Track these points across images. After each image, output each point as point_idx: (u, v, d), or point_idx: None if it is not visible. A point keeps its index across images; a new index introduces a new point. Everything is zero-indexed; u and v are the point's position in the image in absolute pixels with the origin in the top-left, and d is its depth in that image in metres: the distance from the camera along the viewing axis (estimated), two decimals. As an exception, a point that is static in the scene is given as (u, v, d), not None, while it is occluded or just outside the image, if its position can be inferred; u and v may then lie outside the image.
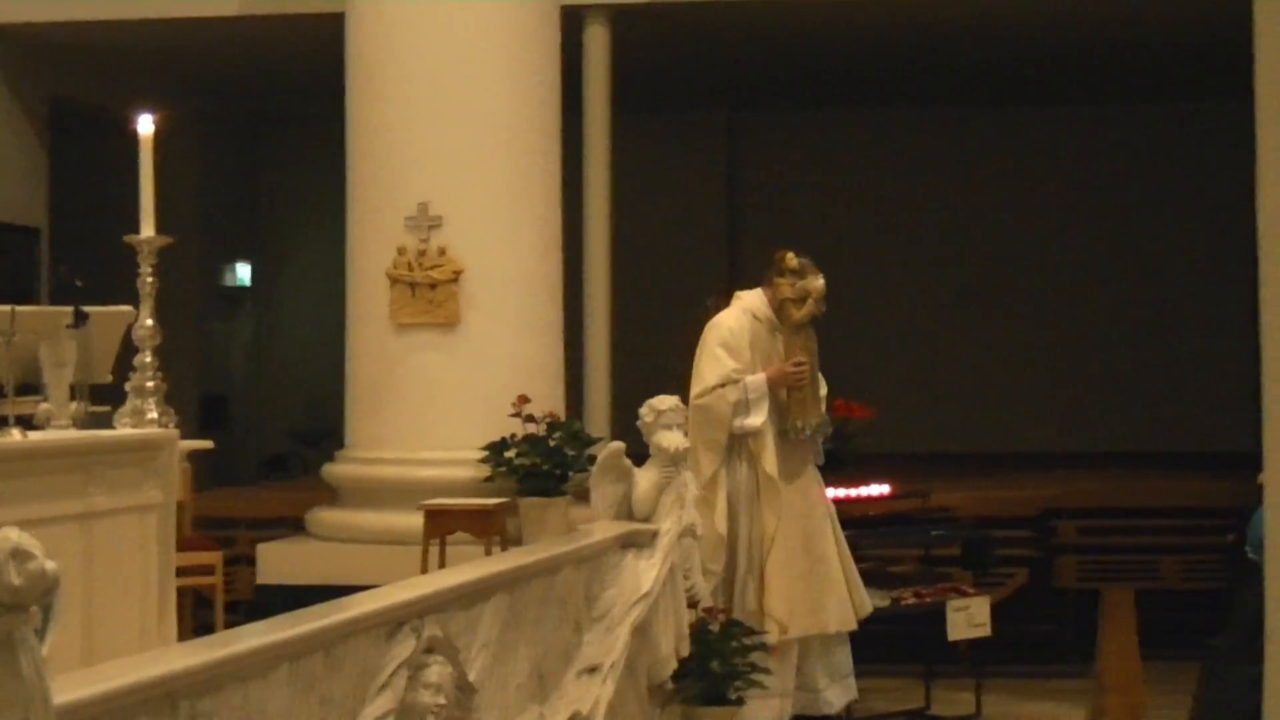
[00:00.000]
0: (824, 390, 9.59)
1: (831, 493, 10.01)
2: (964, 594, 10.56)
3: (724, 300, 9.79)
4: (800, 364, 9.28)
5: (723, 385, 9.24)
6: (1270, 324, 1.38)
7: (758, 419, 9.25)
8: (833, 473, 10.34)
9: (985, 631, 10.44)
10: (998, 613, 10.66)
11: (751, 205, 20.11)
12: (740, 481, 9.40)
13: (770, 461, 9.31)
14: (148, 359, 8.15)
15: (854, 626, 9.55)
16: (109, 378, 8.42)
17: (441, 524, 10.39)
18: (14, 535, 3.31)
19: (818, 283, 9.35)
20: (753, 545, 9.37)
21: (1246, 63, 1.99)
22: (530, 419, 10.97)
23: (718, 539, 9.27)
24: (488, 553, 10.01)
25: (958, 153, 19.67)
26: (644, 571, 8.17)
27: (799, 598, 9.35)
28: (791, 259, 9.41)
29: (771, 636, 9.14)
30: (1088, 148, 19.48)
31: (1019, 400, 19.23)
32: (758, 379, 9.28)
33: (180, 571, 7.98)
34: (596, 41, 13.68)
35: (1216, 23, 13.84)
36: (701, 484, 9.21)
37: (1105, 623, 11.05)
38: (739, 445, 9.40)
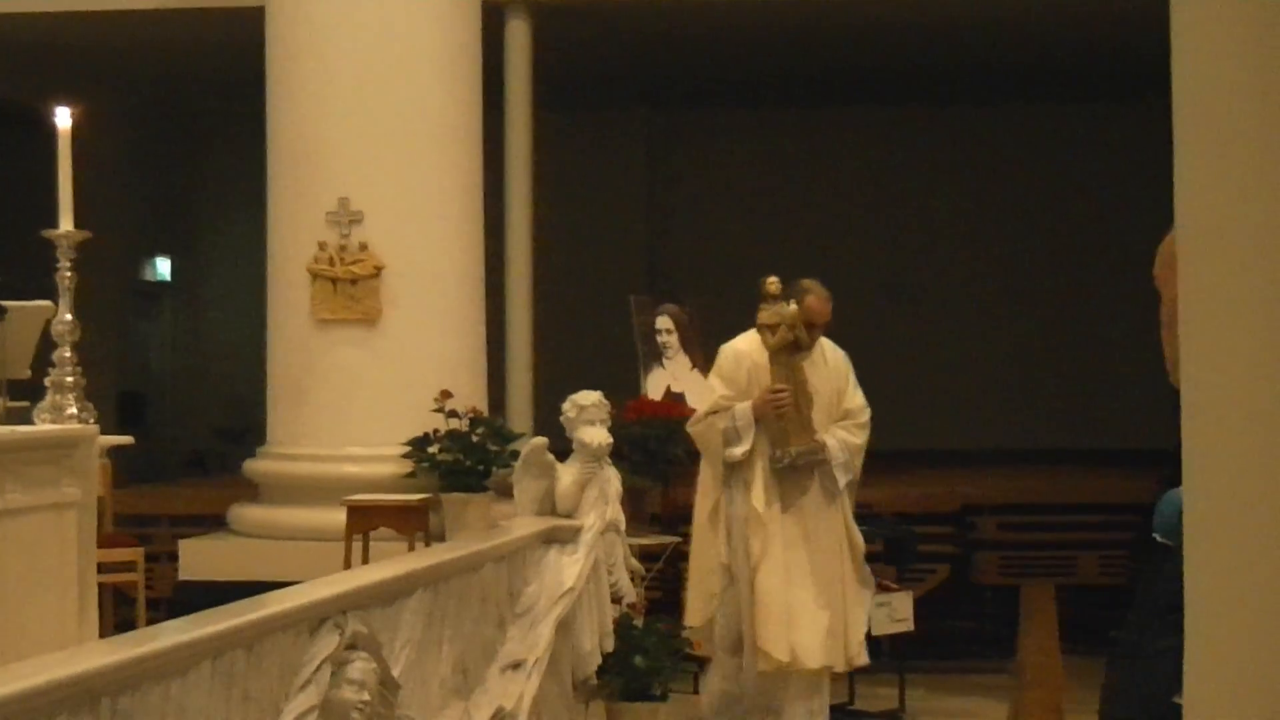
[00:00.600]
0: (864, 415, 9.34)
1: None
2: (887, 589, 10.61)
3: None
4: (778, 391, 8.94)
5: (714, 413, 9.08)
6: (1189, 320, 1.40)
7: (743, 447, 9.01)
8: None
9: (908, 626, 10.49)
10: (919, 608, 10.71)
11: (672, 203, 20.13)
12: (737, 509, 9.18)
13: (756, 491, 9.04)
14: (67, 354, 8.11)
15: (842, 667, 9.31)
16: (27, 373, 8.37)
17: (364, 520, 10.37)
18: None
19: (790, 308, 9.00)
20: (747, 574, 9.09)
21: (1163, 60, 2.02)
22: (453, 414, 10.95)
23: (720, 567, 9.19)
24: (411, 549, 10.00)
25: (879, 151, 19.73)
26: (567, 567, 8.18)
27: (790, 626, 8.98)
28: (772, 284, 9.06)
29: (766, 664, 8.98)
30: (1009, 146, 19.58)
31: (940, 397, 19.33)
32: (744, 407, 9.04)
33: (101, 568, 7.93)
34: (518, 37, 13.66)
35: (1138, 22, 13.95)
36: (702, 512, 9.30)
37: (1025, 618, 11.12)
38: (738, 473, 9.20)
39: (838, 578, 9.16)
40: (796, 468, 9.03)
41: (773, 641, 8.94)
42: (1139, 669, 3.75)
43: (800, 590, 9.02)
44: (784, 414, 8.97)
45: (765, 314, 9.03)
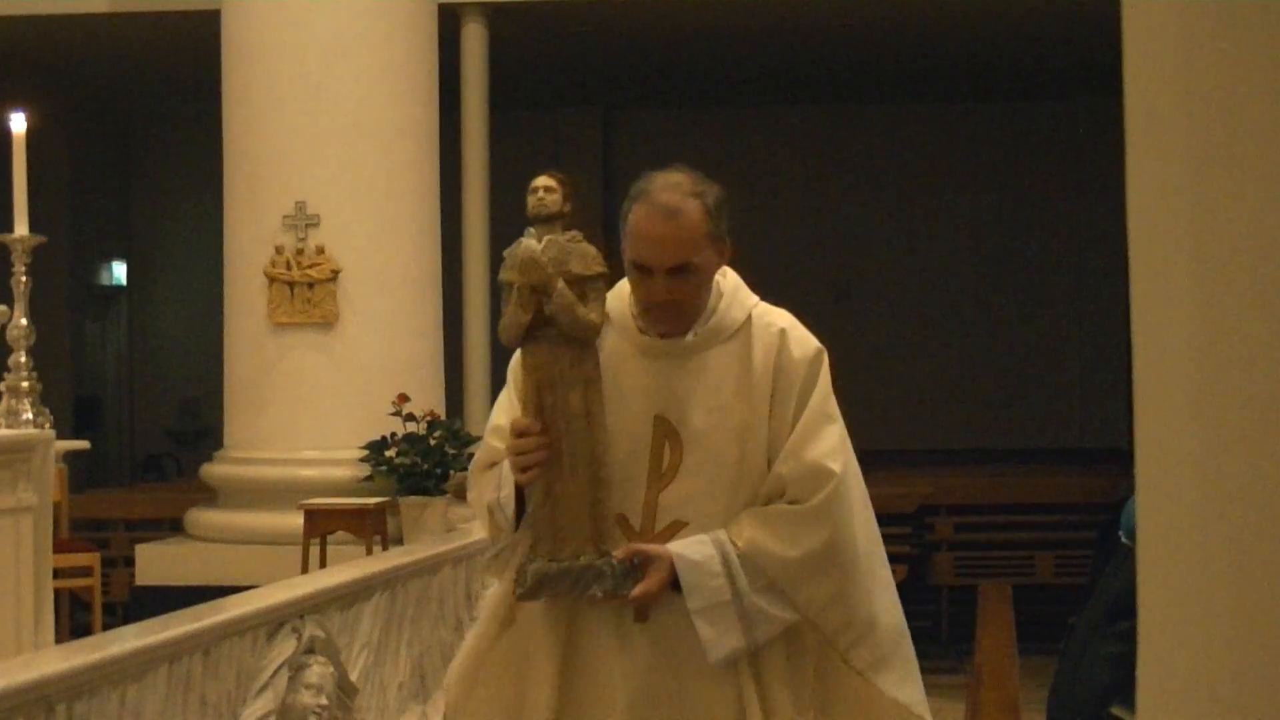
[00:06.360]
0: (817, 490, 3.95)
1: None
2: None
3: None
4: (523, 432, 3.86)
5: (491, 466, 4.03)
6: (1141, 320, 1.40)
7: (498, 546, 4.01)
8: None
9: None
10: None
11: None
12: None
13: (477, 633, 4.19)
14: (22, 359, 8.08)
15: None
16: (-18, 378, 8.33)
17: (321, 524, 10.35)
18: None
19: (524, 247, 3.93)
20: None
21: (1112, 59, 2.03)
22: (410, 418, 10.95)
23: None
24: (368, 552, 9.98)
25: (833, 150, 19.78)
26: (524, 570, 8.17)
27: None
28: (540, 192, 3.98)
29: None
30: (960, 144, 19.63)
31: (896, 398, 19.36)
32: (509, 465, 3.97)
33: (57, 573, 7.91)
34: (473, 39, 13.66)
35: (1081, 21, 14.00)
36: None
37: (982, 618, 11.15)
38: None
39: None
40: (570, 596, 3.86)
41: None
42: (1080, 672, 3.75)
43: None
44: (533, 483, 3.88)
45: (505, 263, 3.97)
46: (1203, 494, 1.48)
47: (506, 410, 4.07)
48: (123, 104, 19.70)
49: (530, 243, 3.94)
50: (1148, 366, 1.55)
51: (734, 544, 3.86)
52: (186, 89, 16.31)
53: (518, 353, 4.02)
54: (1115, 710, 3.53)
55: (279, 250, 11.49)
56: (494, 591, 4.12)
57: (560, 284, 3.87)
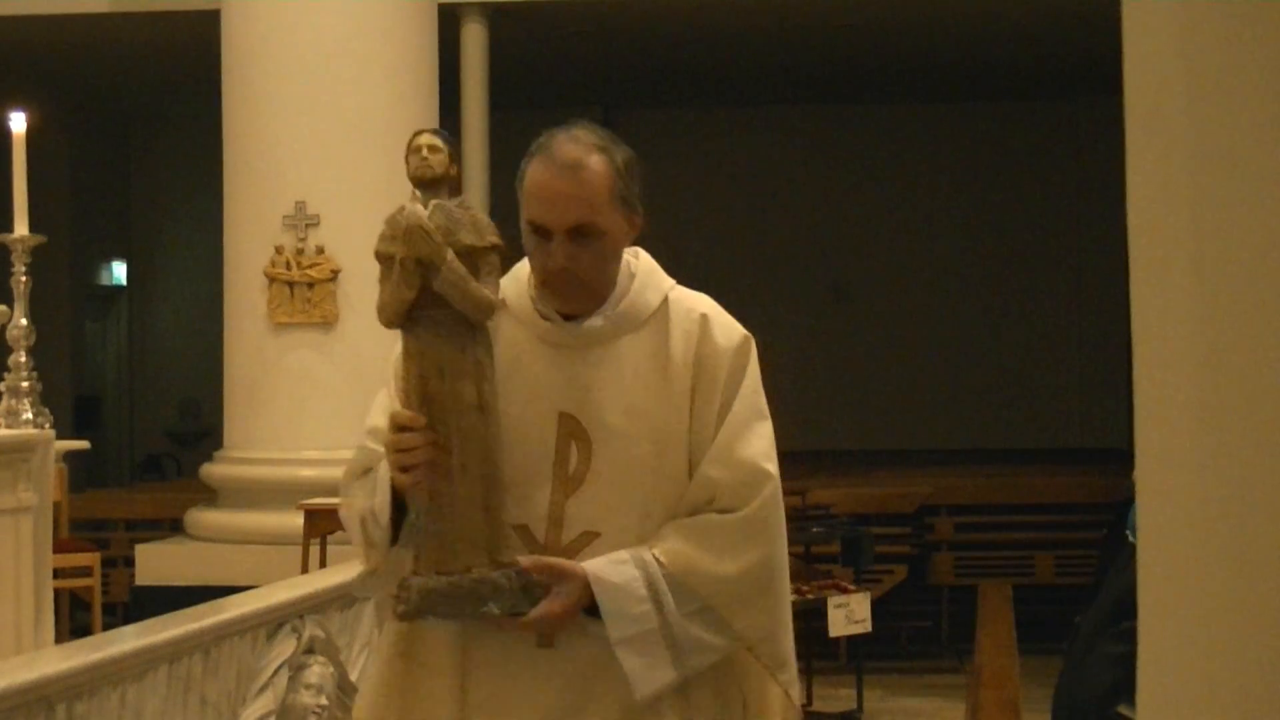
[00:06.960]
0: (750, 498, 3.41)
1: None
2: (844, 591, 10.61)
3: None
4: (405, 426, 3.35)
5: (365, 474, 3.57)
6: (1141, 320, 1.40)
7: (369, 565, 3.57)
8: None
9: (865, 628, 10.50)
10: (877, 609, 10.73)
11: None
12: None
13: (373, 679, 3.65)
14: (22, 359, 8.08)
15: None
16: (-18, 378, 8.34)
17: (321, 523, 10.34)
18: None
19: (410, 213, 3.36)
20: None
21: (1112, 59, 2.04)
22: (409, 418, 10.95)
23: None
24: (367, 552, 9.96)
25: (832, 150, 19.76)
26: (524, 570, 8.17)
27: None
28: (419, 151, 3.44)
29: None
30: (960, 143, 19.63)
31: (895, 398, 19.36)
32: (386, 468, 3.45)
33: (57, 574, 7.91)
34: (473, 39, 13.66)
35: (1077, 20, 14.01)
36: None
37: (982, 618, 11.16)
38: None
39: None
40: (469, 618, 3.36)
41: None
42: (1085, 671, 3.74)
43: None
44: (416, 485, 3.34)
45: (384, 233, 3.41)
46: (1203, 494, 1.48)
47: (385, 410, 3.52)
48: (123, 104, 19.70)
49: (416, 208, 3.37)
50: (1148, 366, 1.55)
51: (660, 562, 3.37)
52: (186, 89, 16.31)
53: (398, 345, 3.51)
54: (1121, 709, 3.53)
55: (279, 250, 11.49)
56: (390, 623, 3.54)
57: (450, 256, 3.32)
